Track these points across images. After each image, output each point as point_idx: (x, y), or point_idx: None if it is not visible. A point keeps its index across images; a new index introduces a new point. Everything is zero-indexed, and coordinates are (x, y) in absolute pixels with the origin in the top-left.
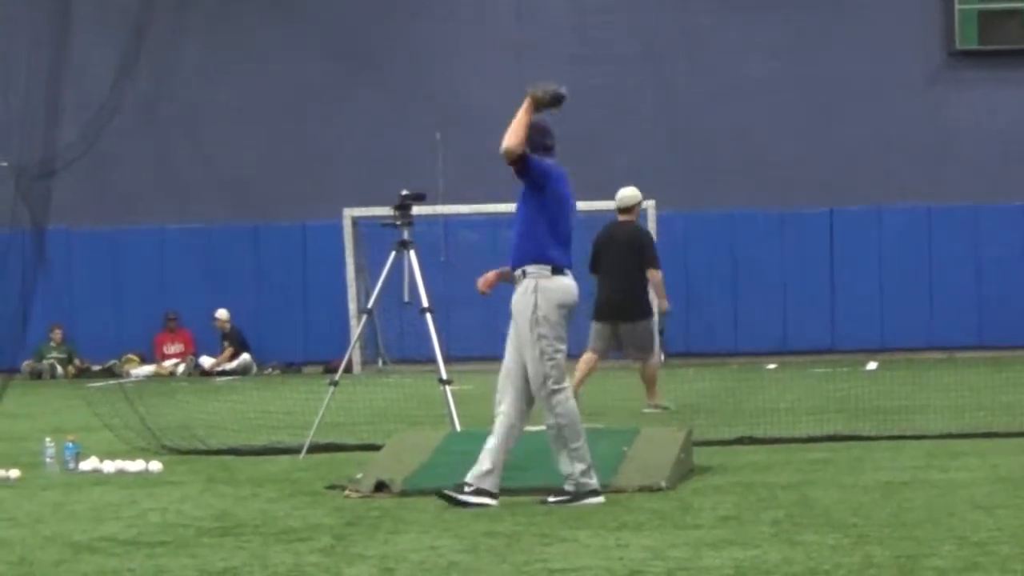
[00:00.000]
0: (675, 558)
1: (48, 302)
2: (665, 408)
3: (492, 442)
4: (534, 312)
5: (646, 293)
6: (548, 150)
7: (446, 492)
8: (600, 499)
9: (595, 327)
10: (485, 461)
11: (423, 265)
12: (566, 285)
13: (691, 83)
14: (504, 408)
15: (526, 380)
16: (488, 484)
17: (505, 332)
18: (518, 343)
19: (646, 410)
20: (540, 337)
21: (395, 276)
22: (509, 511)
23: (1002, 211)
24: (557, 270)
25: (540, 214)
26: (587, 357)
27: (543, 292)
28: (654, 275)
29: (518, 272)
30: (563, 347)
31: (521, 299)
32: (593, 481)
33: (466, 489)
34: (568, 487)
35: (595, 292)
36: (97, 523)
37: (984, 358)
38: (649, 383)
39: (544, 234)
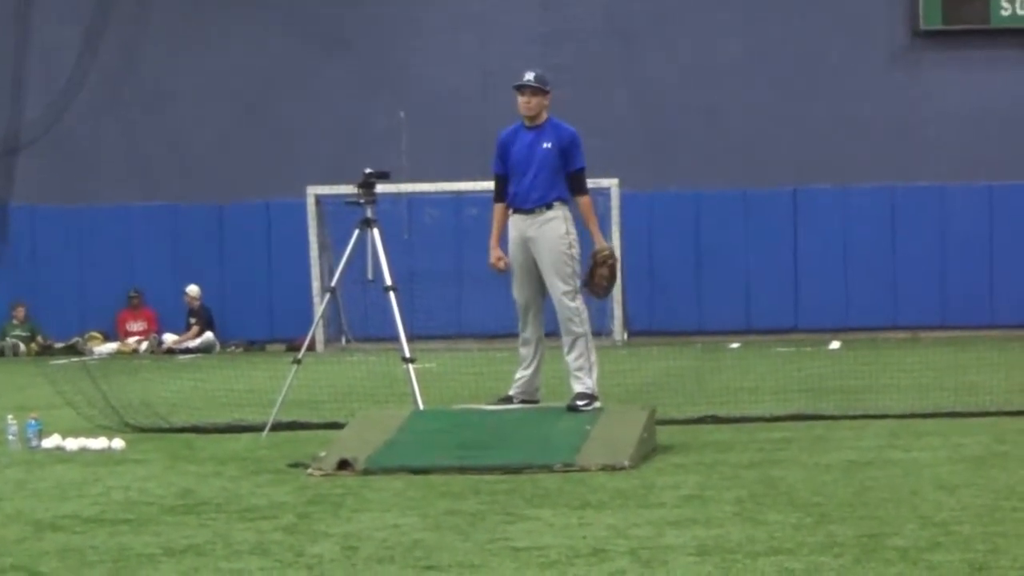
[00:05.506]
0: (638, 537)
1: (11, 280)
2: None
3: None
4: None
5: None
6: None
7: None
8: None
9: None
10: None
11: (387, 243)
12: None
13: (657, 63)
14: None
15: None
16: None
17: (468, 309)
18: None
19: None
20: None
21: (359, 254)
22: (472, 490)
23: (967, 191)
24: None
25: None
26: None
27: None
28: None
29: None
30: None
31: None
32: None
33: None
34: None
35: None
36: (60, 501)
37: (947, 338)
38: None
39: None
